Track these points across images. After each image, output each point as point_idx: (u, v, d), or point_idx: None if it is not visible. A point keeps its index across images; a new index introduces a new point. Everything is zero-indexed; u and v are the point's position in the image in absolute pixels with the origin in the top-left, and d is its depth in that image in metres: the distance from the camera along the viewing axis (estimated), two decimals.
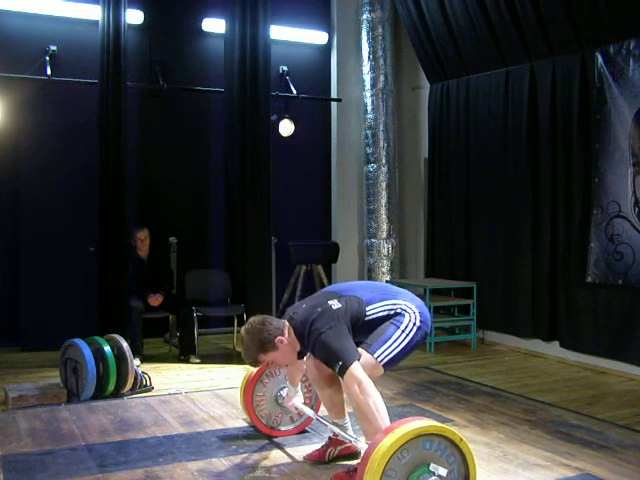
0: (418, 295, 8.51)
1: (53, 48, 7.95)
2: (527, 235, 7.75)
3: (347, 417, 4.35)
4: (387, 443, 3.19)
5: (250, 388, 4.78)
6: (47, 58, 7.88)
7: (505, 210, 8.00)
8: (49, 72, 7.80)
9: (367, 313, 4.00)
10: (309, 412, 4.57)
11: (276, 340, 3.91)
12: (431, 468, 3.26)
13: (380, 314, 4.02)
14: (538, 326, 7.70)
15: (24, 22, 7.91)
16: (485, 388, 6.23)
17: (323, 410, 4.61)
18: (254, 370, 4.80)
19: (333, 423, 4.30)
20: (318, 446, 4.47)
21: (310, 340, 3.88)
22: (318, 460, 4.34)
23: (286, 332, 3.98)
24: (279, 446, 4.64)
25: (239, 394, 4.91)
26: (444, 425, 3.39)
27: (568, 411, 5.47)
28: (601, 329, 6.99)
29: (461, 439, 3.34)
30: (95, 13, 7.54)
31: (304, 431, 4.92)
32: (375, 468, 3.15)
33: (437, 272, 9.10)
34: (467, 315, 8.24)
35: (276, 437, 4.81)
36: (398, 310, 4.03)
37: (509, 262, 7.98)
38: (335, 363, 3.72)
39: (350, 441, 4.13)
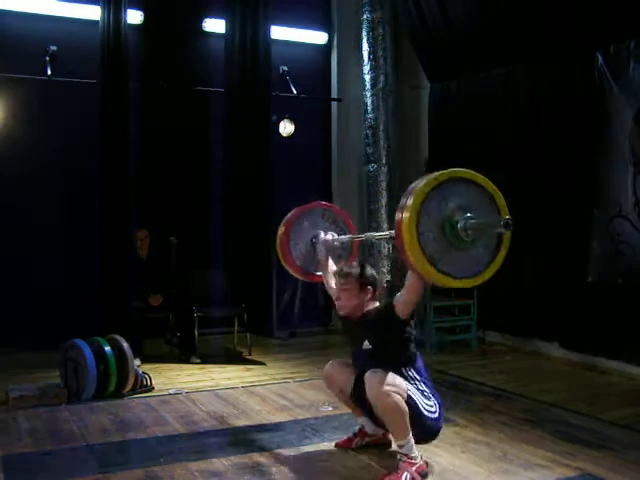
0: None
1: (53, 48, 7.94)
2: (528, 235, 7.73)
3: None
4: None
5: (286, 248, 4.89)
6: (47, 58, 7.87)
7: None
8: (49, 72, 7.79)
9: (410, 372, 4.13)
10: (346, 238, 4.85)
11: (368, 288, 4.25)
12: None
13: (416, 386, 4.11)
14: (538, 326, 7.70)
15: (24, 22, 7.90)
16: (486, 388, 6.23)
17: None
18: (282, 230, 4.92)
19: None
20: (319, 446, 4.49)
21: (380, 308, 4.21)
22: (344, 447, 4.49)
23: (370, 295, 4.27)
24: (280, 446, 4.63)
25: (277, 243, 4.95)
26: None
27: (568, 411, 5.46)
28: (601, 329, 6.98)
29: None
30: (95, 13, 7.54)
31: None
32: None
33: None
34: (467, 315, 8.24)
35: (313, 280, 4.98)
36: (431, 397, 4.14)
37: (510, 262, 7.95)
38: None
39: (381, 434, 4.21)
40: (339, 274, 4.35)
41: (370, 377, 3.93)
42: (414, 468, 3.92)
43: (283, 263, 4.95)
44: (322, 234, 4.85)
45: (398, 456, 3.99)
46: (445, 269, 3.51)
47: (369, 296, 4.27)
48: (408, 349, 4.13)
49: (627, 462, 4.33)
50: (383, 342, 4.12)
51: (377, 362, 4.03)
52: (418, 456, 3.97)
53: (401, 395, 3.90)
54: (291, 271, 4.96)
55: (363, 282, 4.25)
